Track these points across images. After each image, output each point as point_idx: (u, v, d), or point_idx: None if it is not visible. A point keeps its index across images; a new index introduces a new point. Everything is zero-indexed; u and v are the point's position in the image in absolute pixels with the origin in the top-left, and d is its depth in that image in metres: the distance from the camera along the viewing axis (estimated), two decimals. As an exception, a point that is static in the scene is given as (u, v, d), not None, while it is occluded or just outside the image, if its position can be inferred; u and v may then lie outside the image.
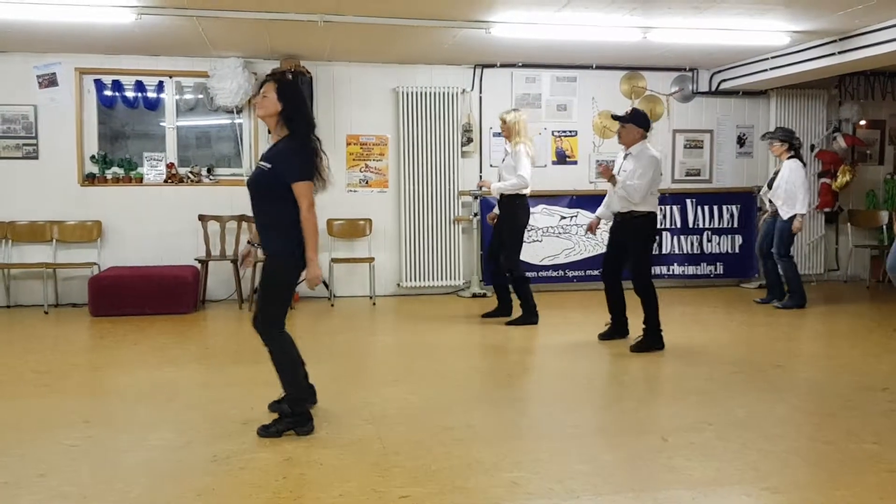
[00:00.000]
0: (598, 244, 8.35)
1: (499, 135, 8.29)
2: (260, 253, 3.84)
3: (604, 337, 5.84)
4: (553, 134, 8.47)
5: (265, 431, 3.60)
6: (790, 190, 7.12)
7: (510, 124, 6.48)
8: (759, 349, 5.67)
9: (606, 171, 5.60)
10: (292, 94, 3.68)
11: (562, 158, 8.51)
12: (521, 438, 3.69)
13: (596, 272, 8.33)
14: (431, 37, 6.78)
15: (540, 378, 5.07)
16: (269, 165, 3.61)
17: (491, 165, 8.32)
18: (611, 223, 5.84)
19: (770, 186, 7.46)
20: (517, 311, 6.57)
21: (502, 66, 8.22)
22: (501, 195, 6.46)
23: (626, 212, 5.52)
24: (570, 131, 8.50)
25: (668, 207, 8.55)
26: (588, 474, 3.20)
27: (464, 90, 8.18)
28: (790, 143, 7.32)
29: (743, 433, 3.72)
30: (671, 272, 8.59)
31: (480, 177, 8.08)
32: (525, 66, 8.26)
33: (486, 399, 4.39)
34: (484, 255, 7.96)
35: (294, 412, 3.63)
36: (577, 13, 5.99)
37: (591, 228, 6.03)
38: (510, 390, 4.65)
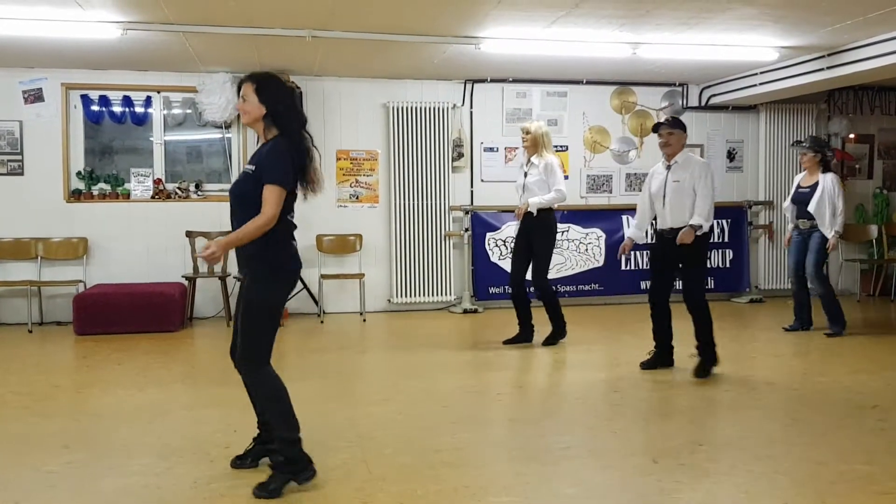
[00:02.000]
0: (589, 259, 8.33)
1: (491, 149, 8.31)
2: None
3: (647, 366, 5.38)
4: (543, 149, 8.43)
5: (262, 492, 3.10)
6: (831, 206, 6.52)
7: (535, 135, 6.12)
8: (750, 367, 5.62)
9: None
10: (275, 92, 3.25)
11: (552, 173, 8.46)
12: (510, 461, 3.63)
13: (587, 287, 8.34)
14: (421, 52, 6.76)
15: (530, 397, 5.00)
16: (253, 168, 3.17)
17: (482, 180, 8.30)
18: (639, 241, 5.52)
19: (795, 202, 6.79)
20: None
21: (493, 81, 8.21)
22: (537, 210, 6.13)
23: (682, 226, 5.13)
24: (561, 146, 8.47)
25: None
26: (577, 498, 3.14)
27: (454, 105, 8.17)
28: (823, 154, 6.75)
29: (733, 454, 3.67)
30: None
31: (468, 193, 8.03)
32: (515, 81, 8.25)
33: (476, 419, 4.32)
34: (477, 272, 7.94)
35: (288, 459, 3.15)
36: (566, 29, 5.98)
37: (626, 250, 5.61)
38: (500, 410, 4.59)
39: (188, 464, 3.53)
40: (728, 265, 8.71)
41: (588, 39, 6.35)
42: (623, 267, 8.40)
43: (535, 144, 6.16)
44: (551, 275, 8.15)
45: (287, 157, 3.15)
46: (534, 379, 5.43)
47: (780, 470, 3.44)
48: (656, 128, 5.35)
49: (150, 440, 3.91)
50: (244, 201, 3.17)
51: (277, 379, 3.22)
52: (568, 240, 8.31)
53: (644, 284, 8.45)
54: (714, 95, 8.49)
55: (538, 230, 6.17)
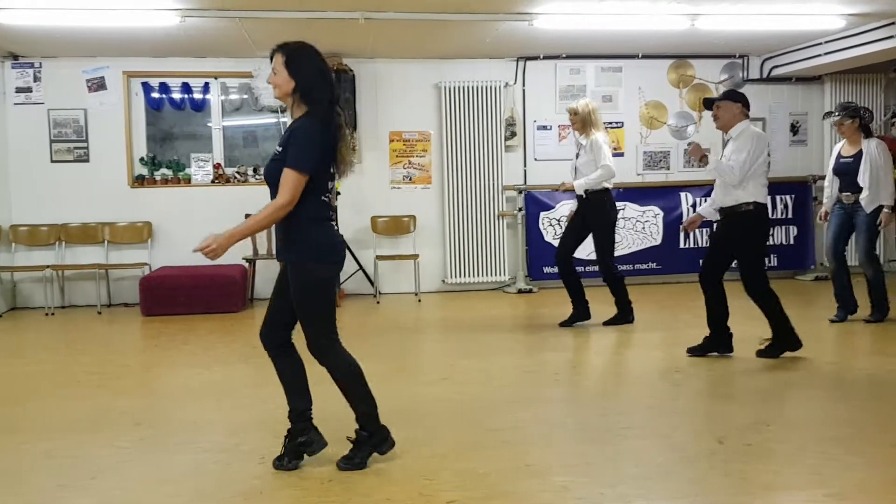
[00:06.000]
0: (646, 238, 8.20)
1: (544, 128, 8.23)
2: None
3: (694, 352, 5.09)
4: (598, 126, 8.32)
5: (348, 464, 3.17)
6: (876, 175, 5.88)
7: (582, 114, 5.96)
8: (817, 345, 5.46)
9: (696, 150, 4.90)
10: (306, 65, 3.06)
11: (608, 151, 8.34)
12: (571, 440, 3.61)
13: (645, 266, 8.22)
14: (473, 31, 6.71)
15: (589, 377, 4.97)
16: (280, 149, 3.08)
17: (535, 159, 8.23)
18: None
19: (838, 173, 6.17)
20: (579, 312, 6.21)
21: (545, 58, 8.11)
22: (585, 192, 5.99)
23: (730, 206, 4.84)
24: (616, 123, 8.34)
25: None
26: (640, 478, 3.11)
27: (506, 84, 8.10)
28: (861, 118, 6.07)
29: (802, 435, 3.58)
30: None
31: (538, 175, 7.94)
32: (569, 57, 8.13)
33: (535, 399, 4.31)
34: (531, 252, 7.89)
35: (371, 432, 3.20)
36: (621, 2, 5.86)
37: (690, 225, 5.27)
38: (558, 390, 4.57)
39: (255, 440, 3.61)
40: (792, 242, 8.47)
41: (644, 12, 6.22)
42: (682, 245, 8.26)
43: (584, 124, 5.99)
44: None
45: (312, 139, 3.00)
46: (591, 359, 5.39)
47: (852, 451, 3.35)
48: (708, 104, 5.01)
49: (217, 417, 4.01)
50: (272, 187, 3.07)
51: (350, 357, 3.20)
52: (624, 218, 8.18)
53: (703, 263, 8.33)
54: (776, 67, 8.23)
55: (592, 213, 6.02)
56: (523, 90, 8.18)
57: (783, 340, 4.96)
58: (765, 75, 8.40)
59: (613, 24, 6.52)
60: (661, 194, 8.20)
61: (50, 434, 3.77)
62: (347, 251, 7.46)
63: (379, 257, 7.78)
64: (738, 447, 3.43)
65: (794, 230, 8.46)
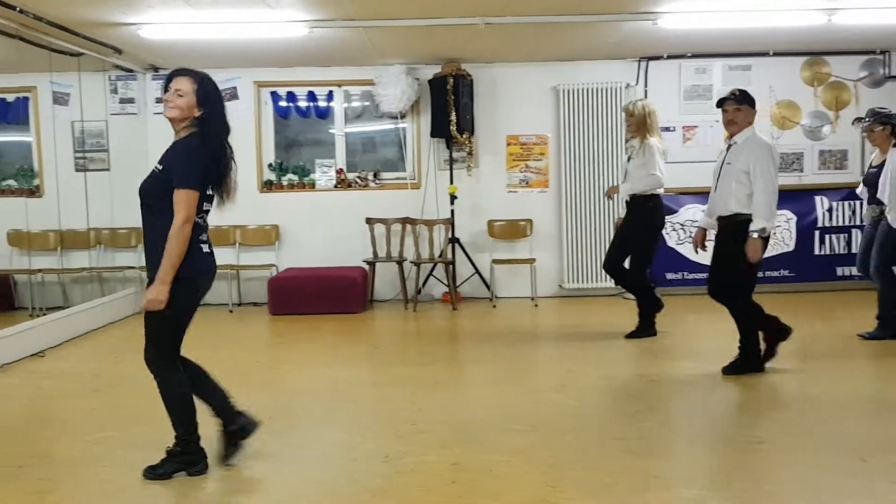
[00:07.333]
0: (778, 243, 7.81)
1: (667, 129, 7.99)
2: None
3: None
4: (725, 127, 8.00)
5: (152, 473, 3.21)
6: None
7: (638, 117, 5.70)
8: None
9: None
10: (215, 99, 3.15)
11: (734, 152, 8.01)
12: (699, 452, 3.48)
13: (776, 273, 7.86)
14: (595, 32, 6.61)
15: (715, 386, 4.76)
16: (161, 167, 3.09)
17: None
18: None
19: (867, 184, 5.78)
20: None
21: (669, 57, 7.88)
22: (631, 196, 5.80)
23: (728, 215, 4.59)
24: (744, 123, 7.99)
25: (857, 203, 7.82)
26: (775, 494, 2.96)
27: (627, 85, 7.93)
28: (893, 125, 5.59)
29: (956, 457, 3.31)
30: (860, 274, 7.84)
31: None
32: (694, 56, 7.86)
33: (659, 408, 4.20)
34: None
35: (184, 451, 3.23)
36: (752, -2, 5.62)
37: (699, 243, 4.95)
38: (685, 399, 4.42)
39: (378, 439, 3.69)
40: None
41: (777, 8, 5.93)
42: (816, 252, 7.81)
43: (640, 127, 5.73)
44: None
45: (198, 157, 3.04)
46: (717, 368, 5.16)
47: None
48: (720, 102, 4.66)
49: (341, 415, 4.13)
50: (155, 204, 3.09)
51: (182, 383, 3.20)
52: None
53: (840, 271, 7.85)
54: (923, 62, 7.66)
55: (634, 218, 5.84)
56: (645, 91, 7.97)
57: (748, 360, 4.77)
58: (909, 71, 7.84)
59: (743, 22, 6.25)
60: (794, 198, 7.78)
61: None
62: (461, 249, 7.63)
63: (495, 261, 7.80)
64: (884, 467, 3.20)
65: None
